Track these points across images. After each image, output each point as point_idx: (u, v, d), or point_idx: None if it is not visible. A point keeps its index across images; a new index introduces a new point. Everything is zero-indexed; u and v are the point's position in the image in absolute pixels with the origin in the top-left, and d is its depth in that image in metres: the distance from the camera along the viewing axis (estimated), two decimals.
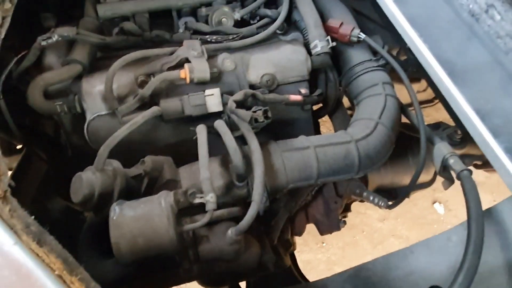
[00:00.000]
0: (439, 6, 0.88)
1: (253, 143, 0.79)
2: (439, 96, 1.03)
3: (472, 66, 0.77)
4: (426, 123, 1.05)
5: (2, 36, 0.84)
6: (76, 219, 1.36)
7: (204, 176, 0.73)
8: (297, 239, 1.46)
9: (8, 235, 0.55)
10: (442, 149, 0.90)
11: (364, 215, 2.22)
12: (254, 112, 0.81)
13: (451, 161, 0.87)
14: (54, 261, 0.56)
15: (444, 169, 0.92)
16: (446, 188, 1.09)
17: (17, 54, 0.95)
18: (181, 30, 1.06)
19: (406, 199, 1.26)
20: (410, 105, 1.82)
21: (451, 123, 1.42)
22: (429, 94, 1.96)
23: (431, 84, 1.02)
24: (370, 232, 2.18)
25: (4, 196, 0.62)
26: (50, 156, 1.19)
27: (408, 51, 1.01)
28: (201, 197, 0.73)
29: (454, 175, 0.91)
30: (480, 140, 0.68)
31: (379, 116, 0.94)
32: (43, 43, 0.90)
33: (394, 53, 1.53)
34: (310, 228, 2.34)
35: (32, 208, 0.96)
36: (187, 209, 0.77)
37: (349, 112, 1.25)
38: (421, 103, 1.94)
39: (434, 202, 2.27)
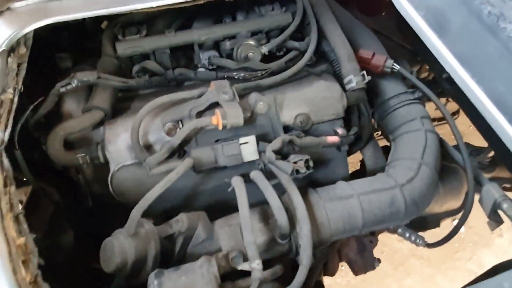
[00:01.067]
0: (486, 39, 0.83)
1: (297, 199, 0.73)
2: (475, 122, 0.97)
3: None
4: (445, 139, 0.99)
5: (20, 86, 0.78)
6: (88, 251, 1.30)
7: (249, 241, 0.67)
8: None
9: None
10: (493, 192, 0.85)
11: (383, 235, 2.14)
12: (295, 163, 0.75)
13: (505, 206, 0.82)
14: None
15: (494, 212, 0.87)
16: (493, 229, 1.03)
17: (33, 99, 0.89)
18: (201, 65, 0.99)
19: None
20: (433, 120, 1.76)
21: (466, 135, 1.36)
22: (449, 108, 1.91)
23: (463, 104, 0.96)
24: (390, 253, 2.11)
25: (35, 281, 0.55)
26: (60, 190, 1.13)
27: (445, 80, 0.95)
28: (246, 264, 0.66)
29: (507, 219, 0.86)
30: None
31: (422, 156, 0.88)
32: (62, 89, 0.84)
33: (415, 70, 1.48)
34: None
35: (45, 243, 0.89)
36: (227, 273, 0.70)
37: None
38: (438, 119, 1.89)
39: (453, 220, 2.21)
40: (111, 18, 1.02)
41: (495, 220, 0.92)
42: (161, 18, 1.04)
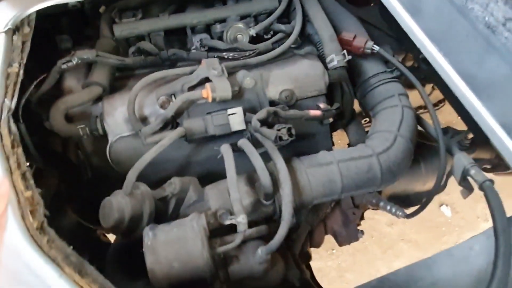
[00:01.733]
0: (455, 18, 0.89)
1: (279, 162, 0.80)
2: (454, 104, 1.04)
3: (493, 80, 0.78)
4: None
5: (24, 61, 0.84)
6: (87, 235, 1.36)
7: (235, 197, 0.74)
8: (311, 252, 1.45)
9: (51, 268, 0.55)
10: (462, 159, 0.92)
11: (373, 220, 2.22)
12: (278, 130, 0.82)
13: (473, 172, 0.89)
14: None
15: (464, 179, 0.93)
16: (465, 197, 1.10)
17: (35, 78, 0.95)
18: (194, 47, 1.06)
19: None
20: (418, 108, 1.82)
21: (455, 125, 1.43)
22: (434, 97, 1.98)
23: (444, 91, 1.03)
24: (379, 237, 2.19)
25: (41, 227, 0.62)
26: (61, 172, 1.19)
27: (422, 61, 1.02)
28: (232, 219, 0.73)
29: (475, 185, 0.93)
30: (508, 155, 0.69)
31: (398, 128, 0.95)
32: (63, 66, 0.91)
33: (400, 58, 1.55)
34: None
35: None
36: (215, 230, 0.77)
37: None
38: (425, 107, 1.96)
39: (441, 205, 2.28)
40: (108, 3, 1.08)
41: (465, 187, 0.99)
42: (156, 4, 1.11)
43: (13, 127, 0.72)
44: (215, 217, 0.75)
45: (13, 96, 0.76)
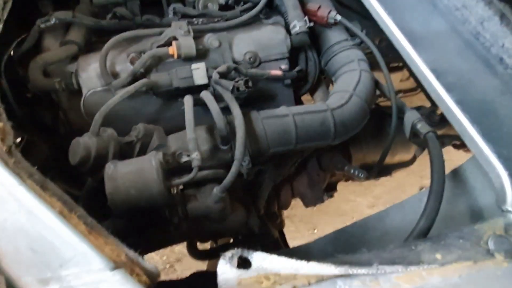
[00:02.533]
0: None
1: (235, 110, 0.87)
2: (411, 73, 1.11)
3: (431, 35, 0.85)
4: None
5: (4, 18, 0.91)
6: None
7: (190, 137, 0.81)
8: (289, 226, 1.51)
9: (14, 178, 0.62)
10: (411, 116, 0.98)
11: (354, 202, 2.29)
12: (236, 82, 0.89)
13: (419, 126, 0.95)
14: (56, 202, 0.62)
15: (414, 136, 1.00)
16: (418, 155, 1.16)
17: (17, 37, 1.03)
18: (170, 16, 1.14)
19: (395, 186, 1.34)
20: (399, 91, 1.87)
21: None
22: (412, 83, 2.04)
23: (406, 64, 1.10)
24: (359, 218, 2.24)
25: (9, 151, 0.69)
26: (49, 144, 1.26)
27: (383, 32, 1.09)
28: (188, 156, 0.80)
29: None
30: (436, 96, 0.76)
31: (354, 88, 1.01)
32: (42, 25, 0.98)
33: (376, 41, 1.62)
34: (302, 215, 2.41)
35: None
36: (176, 171, 0.84)
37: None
38: (405, 91, 2.02)
39: (421, 189, 2.34)
40: None
41: (416, 143, 1.05)
42: None
43: None
44: (173, 156, 0.82)
45: None
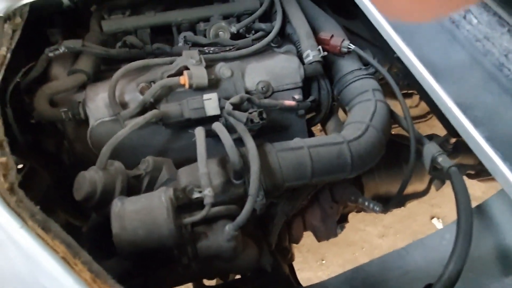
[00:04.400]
0: None
1: (249, 142, 0.83)
2: (428, 103, 1.08)
3: (453, 67, 0.82)
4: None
5: (12, 47, 0.89)
6: (76, 234, 1.37)
7: (202, 171, 0.76)
8: (296, 256, 1.45)
9: (15, 220, 0.58)
10: (431, 148, 0.94)
11: (364, 231, 2.22)
12: (250, 113, 0.86)
13: (440, 159, 0.91)
14: (59, 245, 0.58)
15: (434, 169, 0.95)
16: (438, 188, 1.11)
17: (24, 66, 1.00)
18: (180, 44, 1.12)
19: (405, 215, 1.29)
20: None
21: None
22: (422, 109, 2.02)
23: (421, 92, 1.07)
24: (370, 248, 2.17)
25: (11, 188, 0.65)
26: (52, 173, 1.22)
27: (397, 60, 1.07)
28: (199, 192, 0.76)
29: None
30: (462, 131, 0.72)
31: (370, 119, 0.98)
32: (51, 54, 0.96)
33: (385, 69, 1.60)
34: (310, 246, 2.33)
35: None
36: (186, 207, 0.79)
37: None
38: (414, 118, 1.99)
39: (432, 218, 2.28)
40: (100, 2, 1.15)
41: (436, 177, 1.01)
42: (144, 5, 1.17)
43: None
44: (184, 192, 0.78)
45: None
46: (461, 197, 0.80)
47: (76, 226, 1.30)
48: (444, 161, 0.89)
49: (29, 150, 1.14)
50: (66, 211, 1.24)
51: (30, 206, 0.63)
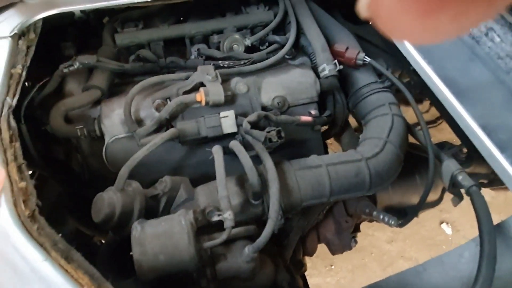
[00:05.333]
0: None
1: (268, 162, 0.82)
2: (444, 115, 1.07)
3: (476, 86, 0.81)
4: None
5: (28, 64, 0.88)
6: (86, 243, 1.37)
7: (222, 194, 0.75)
8: (305, 262, 1.45)
9: (38, 251, 0.57)
10: (450, 166, 0.93)
11: (372, 237, 2.21)
12: (268, 132, 0.85)
13: (460, 178, 0.90)
14: (82, 277, 0.57)
15: (453, 186, 0.94)
16: (456, 205, 1.10)
17: (38, 81, 1.00)
18: (193, 57, 1.11)
19: (414, 220, 1.27)
20: (416, 125, 1.85)
21: (455, 143, 1.45)
22: (432, 115, 2.00)
23: (436, 103, 1.06)
24: (379, 254, 2.16)
25: (32, 215, 0.64)
26: (63, 181, 1.22)
27: (412, 72, 1.05)
28: (219, 215, 0.75)
29: (463, 191, 0.94)
30: (487, 155, 0.70)
31: (387, 135, 0.97)
32: (65, 70, 0.95)
33: (396, 75, 1.58)
34: (319, 251, 2.33)
35: None
36: (204, 228, 0.78)
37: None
38: (429, 122, 1.98)
39: (441, 223, 2.26)
40: (112, 14, 1.14)
41: (454, 194, 1.00)
42: (157, 16, 1.16)
43: (13, 123, 0.75)
44: (203, 214, 0.77)
45: (14, 94, 0.80)
46: (483, 218, 0.78)
47: (87, 235, 1.30)
48: (464, 179, 0.88)
49: (39, 157, 1.14)
50: (77, 219, 1.23)
51: (52, 234, 0.62)
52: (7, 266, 0.54)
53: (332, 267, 2.14)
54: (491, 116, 0.75)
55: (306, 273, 1.48)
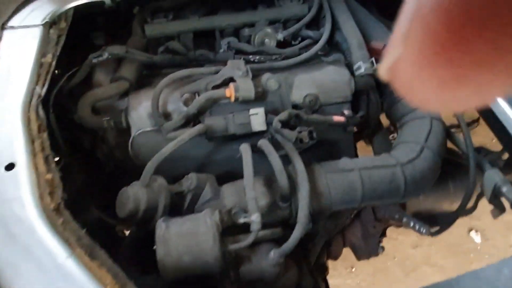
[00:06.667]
0: None
1: (298, 164, 0.78)
2: (486, 117, 1.00)
3: None
4: None
5: (58, 53, 0.87)
6: (108, 232, 1.38)
7: (250, 196, 0.72)
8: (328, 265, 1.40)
9: (63, 248, 0.56)
10: (493, 176, 0.87)
11: (396, 240, 2.14)
12: (300, 132, 0.81)
13: (504, 189, 0.84)
14: (105, 275, 0.56)
15: (495, 197, 0.88)
16: (496, 217, 1.03)
17: (68, 71, 0.99)
18: (222, 50, 1.07)
19: None
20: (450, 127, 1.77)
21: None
22: (468, 117, 1.91)
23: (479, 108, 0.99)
24: (402, 259, 2.10)
25: (57, 208, 0.63)
26: (87, 169, 1.22)
27: None
28: (246, 217, 0.72)
29: (506, 203, 0.87)
30: None
31: (425, 140, 0.91)
32: (94, 60, 0.94)
33: None
34: None
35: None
36: (229, 228, 0.76)
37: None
38: (458, 127, 1.89)
39: (470, 230, 2.17)
40: (142, 4, 1.12)
41: (496, 205, 0.93)
42: (187, 7, 1.13)
43: (41, 113, 0.75)
44: (229, 214, 0.74)
45: (44, 84, 0.79)
46: None
47: (106, 223, 1.30)
48: (510, 192, 0.82)
49: (66, 146, 1.14)
50: (99, 207, 1.23)
51: (76, 229, 0.61)
52: (32, 262, 0.52)
53: (353, 269, 2.09)
54: None
55: None
